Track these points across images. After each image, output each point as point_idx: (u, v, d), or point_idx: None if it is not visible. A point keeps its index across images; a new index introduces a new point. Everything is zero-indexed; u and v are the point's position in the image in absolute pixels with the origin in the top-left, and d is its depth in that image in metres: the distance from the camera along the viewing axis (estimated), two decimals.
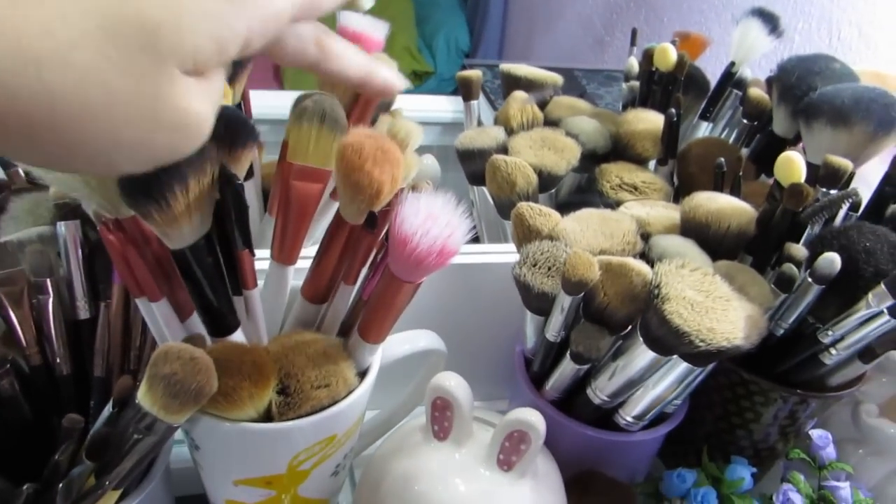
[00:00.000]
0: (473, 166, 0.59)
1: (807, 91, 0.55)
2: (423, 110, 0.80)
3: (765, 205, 0.50)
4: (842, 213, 0.51)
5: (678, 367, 0.42)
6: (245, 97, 0.56)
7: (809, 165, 0.51)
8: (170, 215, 0.31)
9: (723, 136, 0.67)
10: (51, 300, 0.41)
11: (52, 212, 0.45)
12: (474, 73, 0.68)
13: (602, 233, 0.47)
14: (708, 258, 0.47)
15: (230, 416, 0.36)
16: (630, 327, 0.44)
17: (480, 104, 0.70)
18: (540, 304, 0.45)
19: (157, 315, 0.36)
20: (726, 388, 0.51)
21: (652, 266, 0.41)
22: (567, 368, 0.45)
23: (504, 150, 0.58)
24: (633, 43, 0.73)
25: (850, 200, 0.49)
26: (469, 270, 0.55)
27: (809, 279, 0.45)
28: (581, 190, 0.64)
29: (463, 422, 0.42)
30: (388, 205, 0.36)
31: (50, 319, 0.41)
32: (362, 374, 0.40)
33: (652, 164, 0.63)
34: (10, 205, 0.47)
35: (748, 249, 0.50)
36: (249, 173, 0.54)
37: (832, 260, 0.44)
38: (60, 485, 0.34)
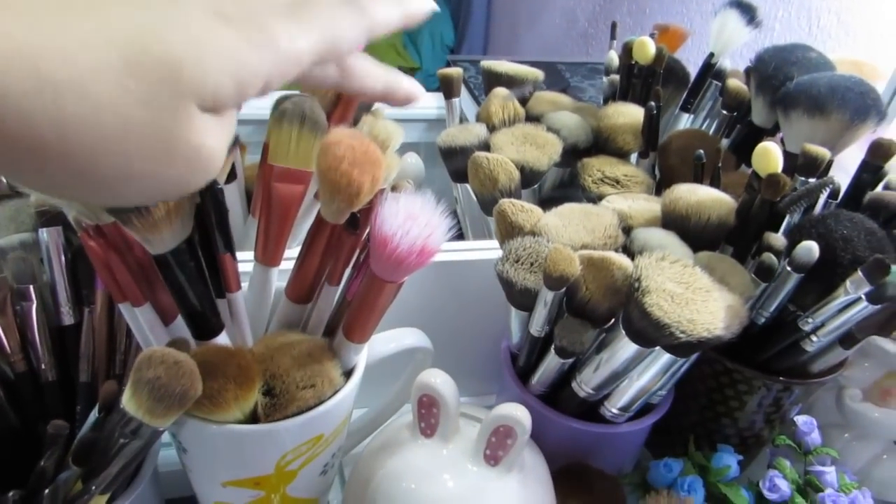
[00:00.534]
0: (456, 164, 0.59)
1: (784, 81, 0.55)
2: (408, 107, 0.80)
3: (744, 195, 0.50)
4: (822, 200, 0.52)
5: (661, 358, 0.42)
6: None
7: (788, 155, 0.52)
8: (150, 221, 0.31)
9: (704, 127, 0.67)
10: (34, 306, 0.41)
11: (33, 218, 0.45)
12: (455, 71, 0.69)
13: (584, 227, 0.48)
14: (689, 250, 0.47)
15: (216, 419, 0.36)
16: (613, 320, 0.45)
17: (464, 100, 0.70)
18: (523, 299, 0.45)
19: (140, 320, 0.37)
20: (710, 377, 0.52)
21: (633, 259, 0.42)
22: (552, 362, 0.46)
23: (486, 146, 0.58)
24: (612, 36, 0.73)
25: (828, 189, 0.49)
26: (454, 267, 0.55)
27: (789, 268, 0.46)
28: (564, 185, 0.64)
29: (449, 418, 0.42)
30: (369, 205, 0.36)
31: (34, 326, 0.41)
32: (348, 374, 0.40)
33: (634, 157, 0.63)
34: None
35: (728, 240, 0.50)
36: (232, 175, 0.54)
37: (810, 248, 0.45)
38: (46, 491, 0.34)
